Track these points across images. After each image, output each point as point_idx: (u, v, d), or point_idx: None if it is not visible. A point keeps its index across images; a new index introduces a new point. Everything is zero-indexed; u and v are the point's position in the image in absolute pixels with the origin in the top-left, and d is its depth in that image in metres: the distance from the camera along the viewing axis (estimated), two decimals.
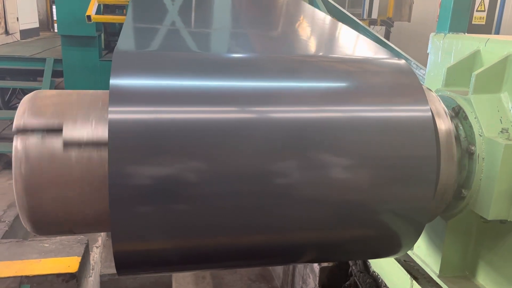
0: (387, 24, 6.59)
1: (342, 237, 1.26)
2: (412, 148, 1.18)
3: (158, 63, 1.17)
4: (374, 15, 8.10)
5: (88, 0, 4.20)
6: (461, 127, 1.49)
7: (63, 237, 2.59)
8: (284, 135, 1.09)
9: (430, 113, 1.20)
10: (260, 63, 1.27)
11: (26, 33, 7.40)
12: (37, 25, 8.73)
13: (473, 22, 9.03)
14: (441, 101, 1.43)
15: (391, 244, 1.32)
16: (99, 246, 3.31)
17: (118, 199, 1.01)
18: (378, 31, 6.68)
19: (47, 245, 2.49)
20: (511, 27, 8.91)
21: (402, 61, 1.34)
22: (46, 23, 11.45)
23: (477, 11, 9.10)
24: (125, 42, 1.32)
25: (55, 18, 12.34)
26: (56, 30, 11.88)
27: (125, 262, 1.12)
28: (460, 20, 1.91)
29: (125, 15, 5.02)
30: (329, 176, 1.13)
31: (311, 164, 1.11)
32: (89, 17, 3.61)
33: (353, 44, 1.65)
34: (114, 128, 1.01)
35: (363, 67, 1.31)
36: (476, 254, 1.71)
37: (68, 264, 2.28)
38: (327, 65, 1.32)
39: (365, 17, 8.43)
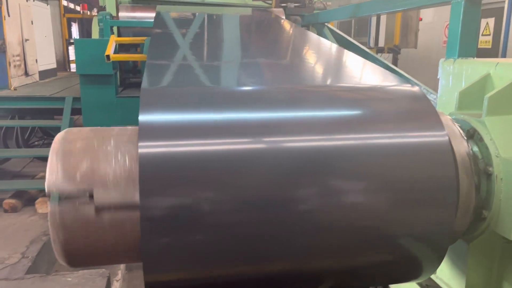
0: (394, 51, 6.74)
1: (364, 263, 1.27)
2: (431, 170, 1.21)
3: (182, 99, 1.23)
4: (381, 43, 8.30)
5: (103, 41, 4.40)
6: (477, 149, 1.51)
7: (85, 271, 2.62)
8: (301, 163, 1.12)
9: (447, 136, 1.23)
10: (278, 95, 1.33)
11: (44, 74, 7.68)
12: (54, 65, 9.05)
13: (479, 46, 9.12)
14: (456, 124, 1.47)
15: (414, 269, 1.33)
16: (119, 280, 3.32)
17: (149, 232, 1.04)
18: (386, 58, 6.80)
19: (70, 279, 2.52)
20: None
21: (416, 88, 1.39)
22: (62, 63, 11.85)
23: (482, 35, 9.18)
24: (150, 79, 1.39)
25: (71, 58, 12.79)
26: (72, 70, 12.33)
27: None
28: (468, 45, 1.97)
29: (139, 53, 5.22)
30: (349, 202, 1.16)
31: (331, 190, 1.14)
32: (108, 56, 3.77)
33: (364, 72, 1.72)
34: (145, 162, 1.05)
35: (378, 94, 1.36)
36: (500, 276, 1.70)
37: None
38: (342, 94, 1.38)
39: (371, 45, 8.62)
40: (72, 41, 13.55)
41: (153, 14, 5.05)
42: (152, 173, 1.06)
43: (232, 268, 1.15)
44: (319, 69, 1.72)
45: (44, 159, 6.03)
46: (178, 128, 1.15)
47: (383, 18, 8.45)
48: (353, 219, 1.17)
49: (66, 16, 12.74)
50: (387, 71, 1.64)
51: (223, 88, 1.42)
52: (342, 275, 1.28)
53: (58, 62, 10.08)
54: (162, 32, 2.27)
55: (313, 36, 2.29)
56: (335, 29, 4.65)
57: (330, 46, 2.00)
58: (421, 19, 8.67)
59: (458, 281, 1.78)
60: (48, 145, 7.09)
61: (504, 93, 1.54)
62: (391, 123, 1.26)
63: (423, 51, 9.45)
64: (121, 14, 4.97)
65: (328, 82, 1.58)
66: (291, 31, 2.54)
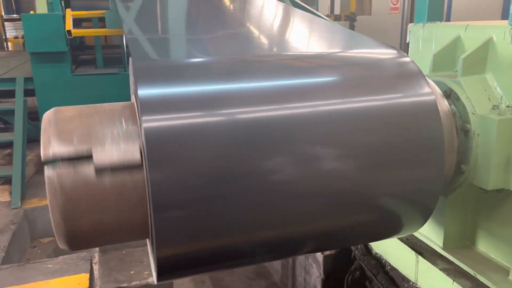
0: (351, 19, 6.87)
1: (356, 222, 1.31)
2: (420, 130, 1.25)
3: (177, 71, 1.21)
4: (336, 11, 8.41)
5: (54, 16, 4.13)
6: (454, 108, 1.61)
7: (66, 256, 2.56)
8: (279, 131, 1.13)
9: (433, 96, 1.30)
10: (270, 63, 1.34)
11: None
12: None
13: None
14: (435, 85, 1.55)
15: (405, 225, 1.41)
16: (97, 263, 3.27)
17: (161, 205, 1.03)
18: (343, 25, 6.91)
19: (51, 265, 2.46)
20: (461, 13, 9.38)
21: (398, 50, 1.44)
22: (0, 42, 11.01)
23: None
24: (138, 54, 1.35)
25: (8, 36, 11.91)
26: (10, 49, 11.51)
27: (166, 267, 1.14)
28: (436, 10, 2.05)
29: (91, 27, 4.96)
30: (343, 168, 1.19)
31: (323, 157, 1.17)
32: (69, 31, 3.55)
33: (345, 37, 1.75)
34: (150, 136, 1.03)
35: (363, 57, 1.40)
36: (474, 224, 1.85)
37: (78, 281, 2.27)
38: (325, 59, 1.40)
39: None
40: (6, 18, 12.60)
41: None
42: (159, 146, 1.04)
43: (238, 238, 1.17)
44: (303, 36, 1.73)
45: None
46: (178, 100, 1.13)
47: None
48: (346, 181, 1.20)
49: None
50: (364, 36, 1.68)
51: (213, 59, 1.41)
52: (342, 235, 1.34)
53: None
54: (131, 6, 2.17)
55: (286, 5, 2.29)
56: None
57: (307, 15, 2.02)
58: None
59: (436, 233, 1.92)
60: None
61: (477, 53, 1.64)
62: (378, 84, 1.29)
63: (373, 18, 9.68)
64: None
65: (317, 48, 1.60)
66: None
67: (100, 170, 1.02)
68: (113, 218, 1.08)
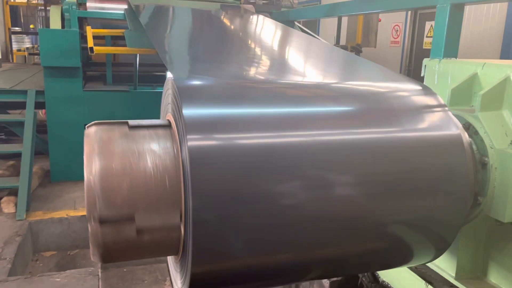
0: (357, 50, 7.04)
1: (376, 251, 1.34)
2: (445, 164, 1.30)
3: (218, 93, 1.27)
4: (342, 42, 8.60)
5: (71, 32, 4.22)
6: (472, 141, 1.67)
7: (73, 270, 2.55)
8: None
9: (459, 130, 1.36)
10: (301, 90, 1.41)
11: None
12: None
13: (423, 47, 9.62)
14: (456, 119, 1.62)
15: (422, 255, 1.43)
16: (100, 279, 3.24)
17: (201, 223, 1.06)
18: None
19: (59, 279, 2.45)
20: (461, 49, 9.63)
21: (423, 85, 1.51)
22: (5, 54, 11.12)
23: (426, 37, 9.68)
24: (179, 72, 1.40)
25: (14, 48, 12.02)
26: (15, 61, 11.60)
27: (199, 283, 1.16)
28: (452, 47, 2.14)
29: (104, 45, 5.05)
30: (366, 197, 1.22)
31: (349, 184, 1.21)
32: (91, 48, 3.62)
33: (372, 70, 1.82)
34: (194, 154, 1.07)
35: (395, 91, 1.47)
36: (486, 256, 1.89)
37: None
38: (365, 90, 1.47)
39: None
40: (14, 30, 12.75)
41: (121, 6, 4.92)
42: (203, 165, 1.07)
43: (278, 256, 1.20)
44: (335, 68, 1.81)
45: None
46: (221, 121, 1.17)
47: (345, 17, 8.78)
48: (368, 210, 1.23)
49: (9, 4, 11.94)
50: (388, 69, 1.76)
51: (258, 80, 1.46)
52: (350, 262, 1.36)
53: (2, 53, 9.45)
54: (159, 26, 2.24)
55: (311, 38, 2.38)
56: (304, 28, 4.77)
57: (335, 48, 2.10)
58: (380, 20, 9.10)
59: (447, 262, 1.95)
60: None
61: (494, 91, 1.72)
62: (405, 116, 1.35)
63: (375, 50, 9.92)
64: (89, 4, 4.78)
65: (347, 79, 1.67)
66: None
67: (141, 232, 1.10)
68: (146, 254, 1.18)
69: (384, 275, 2.50)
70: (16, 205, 3.76)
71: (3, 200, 3.84)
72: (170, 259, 1.40)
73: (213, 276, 1.18)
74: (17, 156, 4.75)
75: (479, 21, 8.28)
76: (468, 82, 1.90)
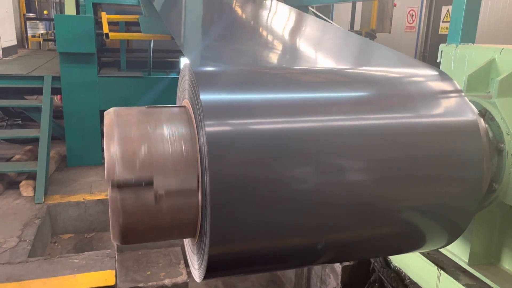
0: (371, 35, 6.95)
1: (393, 235, 1.36)
2: (460, 149, 1.30)
3: (235, 79, 1.28)
4: (356, 27, 8.48)
5: (86, 18, 4.24)
6: (489, 128, 1.66)
7: (91, 252, 2.62)
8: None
9: (475, 116, 1.36)
10: (316, 76, 1.41)
11: (7, 51, 7.27)
12: (15, 42, 8.57)
13: (439, 33, 9.45)
14: (472, 105, 1.61)
15: (440, 238, 1.45)
16: (116, 261, 3.32)
17: (218, 206, 1.09)
18: None
19: (77, 260, 2.52)
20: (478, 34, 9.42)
21: (439, 70, 1.50)
22: (21, 40, 11.21)
23: (443, 22, 9.50)
24: (195, 59, 1.42)
25: (29, 34, 12.13)
26: (30, 47, 11.74)
27: (216, 265, 1.19)
28: (469, 32, 2.11)
29: (115, 31, 5.08)
30: (394, 176, 1.26)
31: (366, 168, 1.22)
32: (107, 34, 3.65)
33: (390, 55, 1.81)
34: (211, 138, 1.09)
35: (412, 76, 1.46)
36: (500, 242, 1.89)
37: (105, 277, 2.33)
38: (377, 78, 1.47)
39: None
40: (28, 16, 12.84)
41: None
42: (220, 149, 1.09)
43: (292, 239, 1.22)
44: (353, 53, 1.80)
45: (13, 141, 5.80)
46: (238, 107, 1.19)
47: (359, 2, 8.65)
48: (384, 194, 1.25)
49: None
50: (404, 55, 1.75)
51: (273, 66, 1.47)
52: (365, 246, 1.38)
53: (17, 38, 9.53)
54: (174, 11, 2.25)
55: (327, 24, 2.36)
56: (318, 13, 4.72)
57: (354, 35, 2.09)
58: (395, 5, 8.95)
59: (460, 248, 1.96)
60: (12, 126, 6.78)
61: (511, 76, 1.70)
62: (421, 101, 1.34)
63: (391, 36, 9.78)
64: None
65: (365, 65, 1.66)
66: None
67: (159, 196, 1.12)
68: (165, 230, 1.19)
69: (396, 260, 2.52)
70: (34, 189, 3.85)
71: (21, 184, 3.94)
72: (187, 242, 1.43)
73: (230, 258, 1.21)
74: (34, 141, 4.85)
75: (497, 6, 8.08)
76: (485, 68, 1.88)
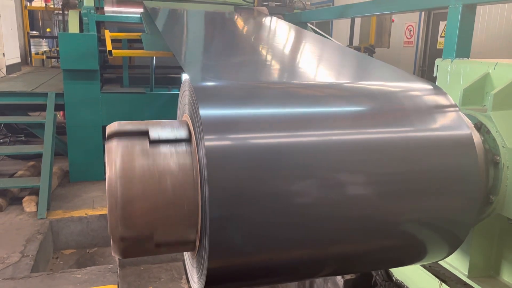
0: (370, 50, 7.03)
1: (389, 248, 1.37)
2: (456, 163, 1.31)
3: (234, 94, 1.31)
4: (355, 43, 8.61)
5: (89, 36, 4.33)
6: (484, 140, 1.69)
7: (93, 267, 2.63)
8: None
9: (470, 130, 1.38)
10: (313, 90, 1.44)
11: (11, 68, 7.39)
12: (19, 60, 8.71)
13: (437, 47, 9.50)
14: (467, 118, 1.64)
15: (438, 251, 1.45)
16: (118, 276, 3.32)
17: (217, 220, 1.10)
18: None
19: (79, 275, 2.53)
20: (477, 49, 9.50)
21: (434, 85, 1.54)
22: (24, 57, 11.38)
23: (441, 37, 9.56)
24: (195, 74, 1.45)
25: (32, 52, 12.31)
26: (33, 64, 11.90)
27: (215, 279, 1.20)
28: (464, 47, 2.16)
29: (120, 48, 5.16)
30: (378, 195, 1.25)
31: (362, 183, 1.24)
32: (110, 52, 3.72)
33: (384, 71, 1.85)
34: (211, 153, 1.11)
35: (406, 91, 1.49)
36: (499, 255, 1.90)
37: None
38: (371, 92, 1.50)
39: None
40: (32, 34, 13.05)
41: (137, 9, 5.03)
42: (219, 165, 1.11)
43: (292, 253, 1.24)
44: (347, 68, 1.84)
45: (16, 157, 5.83)
46: (236, 121, 1.21)
47: (358, 18, 8.76)
48: (380, 208, 1.26)
49: (28, 8, 12.22)
50: (400, 69, 1.79)
51: (272, 81, 1.51)
52: (364, 259, 1.39)
53: (20, 56, 9.68)
54: (175, 29, 2.31)
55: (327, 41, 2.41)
56: (317, 29, 4.80)
57: (348, 49, 2.13)
58: (393, 21, 9.06)
59: (460, 261, 1.97)
60: (15, 142, 6.83)
61: (507, 90, 1.73)
62: (416, 116, 1.37)
63: (389, 51, 9.88)
64: (106, 8, 4.89)
65: (359, 79, 1.70)
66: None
67: (159, 245, 1.18)
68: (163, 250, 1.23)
69: (398, 273, 2.51)
70: (37, 204, 3.88)
71: (24, 199, 3.97)
72: (186, 255, 1.45)
73: (229, 272, 1.22)
74: (37, 157, 4.89)
75: (494, 22, 8.17)
76: (480, 82, 1.92)
